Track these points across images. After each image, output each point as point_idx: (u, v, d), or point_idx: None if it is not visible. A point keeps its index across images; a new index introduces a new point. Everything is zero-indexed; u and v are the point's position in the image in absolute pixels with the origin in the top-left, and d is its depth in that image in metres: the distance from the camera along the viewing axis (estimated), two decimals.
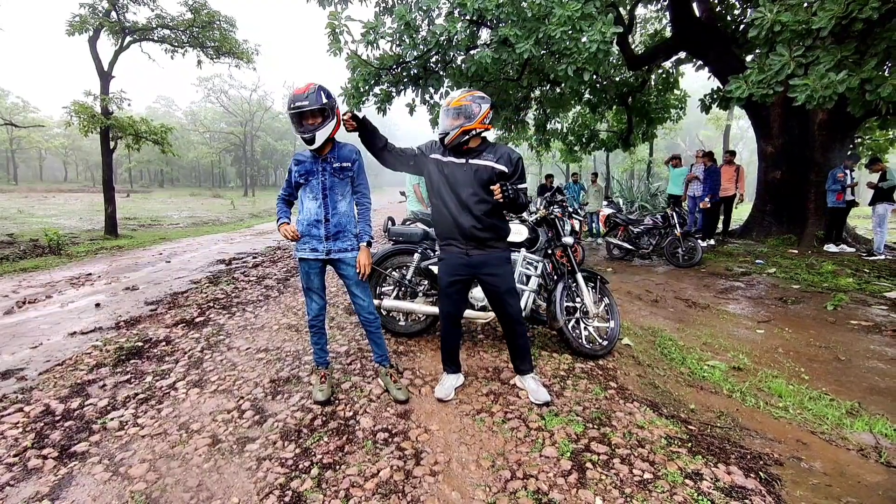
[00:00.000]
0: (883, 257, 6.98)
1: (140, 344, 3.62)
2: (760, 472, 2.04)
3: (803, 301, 5.10)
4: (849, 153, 8.05)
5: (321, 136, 2.41)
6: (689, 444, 2.25)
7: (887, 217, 7.20)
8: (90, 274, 6.33)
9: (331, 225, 2.56)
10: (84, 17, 9.59)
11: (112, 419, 2.47)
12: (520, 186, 2.43)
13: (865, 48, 4.72)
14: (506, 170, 2.43)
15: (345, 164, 2.58)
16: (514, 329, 2.65)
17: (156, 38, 10.89)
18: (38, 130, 40.45)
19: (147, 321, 4.26)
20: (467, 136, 2.42)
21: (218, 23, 10.92)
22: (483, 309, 3.44)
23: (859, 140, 10.25)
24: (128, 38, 10.41)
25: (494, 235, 2.52)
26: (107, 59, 10.19)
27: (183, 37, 11.02)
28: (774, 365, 3.41)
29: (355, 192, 2.68)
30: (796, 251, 7.59)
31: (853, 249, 7.60)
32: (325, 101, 2.38)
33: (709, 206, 8.45)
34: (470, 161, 2.45)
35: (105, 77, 10.04)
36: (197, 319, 4.26)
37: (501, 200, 2.32)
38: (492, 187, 2.33)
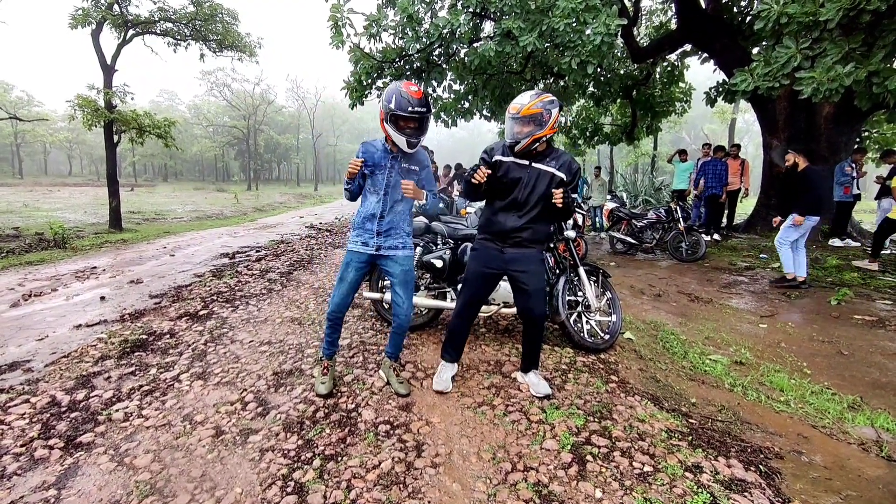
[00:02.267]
0: (888, 252, 6.93)
1: (144, 336, 3.65)
2: (761, 466, 2.05)
3: (807, 296, 5.08)
4: (855, 147, 7.97)
5: (420, 142, 2.47)
6: (690, 437, 2.26)
7: (890, 212, 7.13)
8: (95, 267, 6.37)
9: (384, 222, 2.56)
10: (87, 10, 9.57)
11: (117, 410, 2.50)
12: (573, 196, 2.49)
13: (873, 40, 4.66)
14: (565, 178, 2.44)
15: (413, 167, 2.57)
16: (536, 327, 2.65)
17: (158, 32, 10.87)
18: (43, 124, 40.54)
19: (151, 314, 4.29)
20: (537, 143, 2.42)
21: (220, 16, 10.89)
22: (486, 303, 3.44)
23: (866, 133, 10.14)
24: (130, 32, 10.39)
25: (533, 237, 2.53)
26: (109, 53, 10.18)
27: (185, 30, 10.99)
28: (777, 359, 3.41)
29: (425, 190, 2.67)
30: None
31: (858, 244, 7.55)
32: (430, 108, 2.43)
33: (707, 196, 8.44)
34: (533, 165, 2.46)
35: (108, 70, 10.03)
36: (201, 312, 4.29)
37: (560, 206, 2.33)
38: (554, 191, 2.34)
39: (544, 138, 2.40)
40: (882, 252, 6.35)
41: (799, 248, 5.35)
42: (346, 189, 2.60)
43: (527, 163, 2.46)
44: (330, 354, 2.77)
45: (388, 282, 2.69)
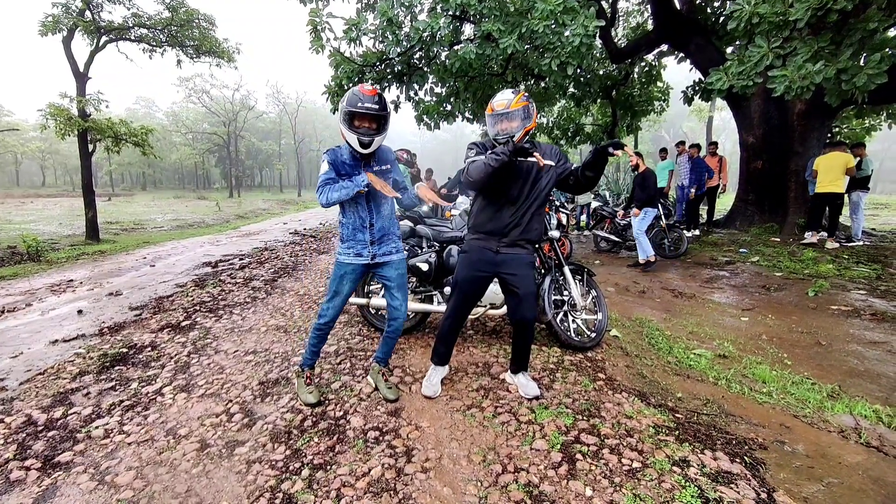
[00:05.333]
0: (861, 243, 7.15)
1: (125, 350, 3.56)
2: (745, 457, 2.09)
3: (785, 288, 5.21)
4: (826, 142, 8.21)
5: (377, 143, 2.40)
6: (677, 431, 2.29)
7: (862, 204, 7.37)
8: (71, 280, 6.19)
9: (375, 229, 2.53)
10: (57, 17, 9.33)
11: (97, 427, 2.43)
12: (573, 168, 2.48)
13: (841, 39, 4.81)
14: (552, 162, 2.45)
15: (384, 167, 2.53)
16: (525, 331, 2.64)
17: (133, 38, 10.65)
18: (13, 134, 39.37)
19: (131, 327, 4.18)
20: (527, 136, 2.43)
21: (197, 21, 10.72)
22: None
23: (837, 129, 10.46)
24: (103, 38, 10.16)
25: (529, 236, 2.52)
26: (82, 60, 9.93)
27: (161, 36, 10.79)
28: (758, 351, 3.48)
29: (399, 189, 2.63)
30: (778, 239, 7.74)
31: (832, 236, 7.75)
32: (388, 109, 2.38)
33: (694, 195, 8.58)
34: (520, 160, 2.44)
35: (81, 78, 9.79)
36: (183, 323, 4.20)
37: (614, 152, 2.26)
38: (609, 151, 2.27)
39: (531, 131, 2.45)
40: (818, 226, 7.26)
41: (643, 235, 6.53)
42: (336, 197, 2.37)
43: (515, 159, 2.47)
44: (312, 364, 2.73)
45: (381, 286, 2.66)
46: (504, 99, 2.41)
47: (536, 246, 3.66)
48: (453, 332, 2.74)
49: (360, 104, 2.30)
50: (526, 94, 2.44)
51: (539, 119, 13.14)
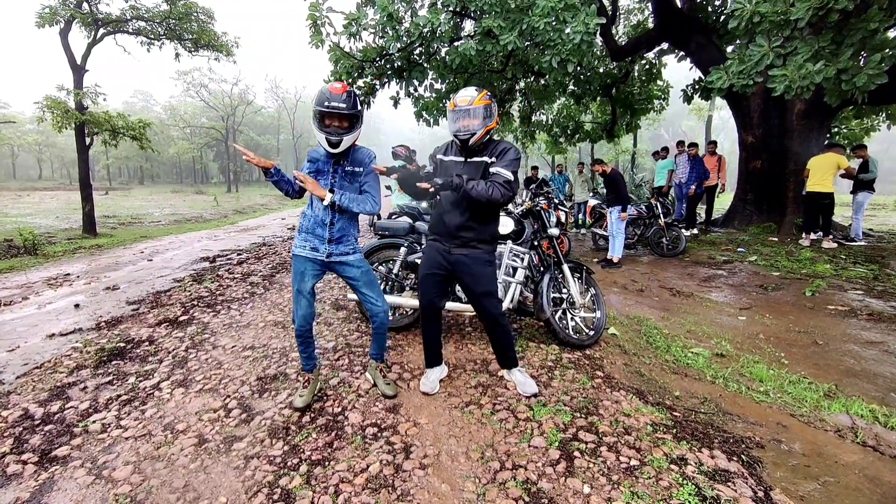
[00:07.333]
0: (859, 243, 7.17)
1: (122, 344, 3.55)
2: (742, 456, 2.09)
3: (783, 288, 5.22)
4: (825, 143, 8.22)
5: (347, 142, 2.35)
6: (674, 430, 2.29)
7: (865, 205, 7.40)
8: (68, 274, 6.16)
9: (335, 229, 2.47)
10: (54, 9, 9.24)
11: (94, 422, 2.42)
12: (493, 170, 2.35)
13: (841, 39, 4.81)
14: (487, 160, 2.43)
15: (357, 169, 2.48)
16: (493, 329, 2.66)
17: (131, 30, 10.55)
18: (10, 127, 39.11)
19: (129, 321, 4.17)
20: (488, 135, 2.42)
21: (195, 14, 10.62)
22: (458, 300, 3.44)
23: (836, 129, 10.48)
24: (101, 30, 10.07)
25: (478, 235, 2.49)
26: (80, 52, 9.85)
27: (159, 29, 10.70)
28: (756, 350, 3.49)
29: (362, 192, 2.51)
30: (776, 239, 7.76)
31: (831, 236, 7.78)
32: (358, 107, 2.33)
33: (695, 193, 8.59)
34: (468, 160, 2.44)
35: (78, 71, 9.72)
36: (181, 318, 4.19)
37: (431, 190, 2.31)
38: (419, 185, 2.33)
39: (491, 131, 2.44)
40: (815, 226, 7.36)
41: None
42: (279, 183, 2.46)
43: (462, 159, 2.45)
44: (310, 368, 2.66)
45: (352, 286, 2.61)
46: (467, 95, 2.40)
47: (536, 243, 3.66)
48: (429, 329, 2.73)
49: (326, 103, 2.25)
50: (489, 93, 2.43)
51: (539, 117, 13.12)
